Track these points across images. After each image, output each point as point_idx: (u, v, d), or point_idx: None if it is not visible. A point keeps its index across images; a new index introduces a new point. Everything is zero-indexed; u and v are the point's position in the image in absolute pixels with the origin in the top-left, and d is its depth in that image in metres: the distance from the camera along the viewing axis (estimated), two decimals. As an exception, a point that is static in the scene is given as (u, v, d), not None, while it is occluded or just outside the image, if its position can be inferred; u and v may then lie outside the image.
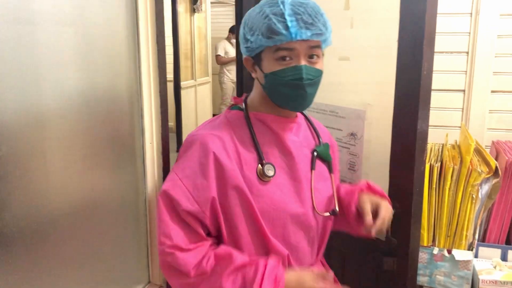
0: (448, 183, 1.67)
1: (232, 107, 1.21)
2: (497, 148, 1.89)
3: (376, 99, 1.53)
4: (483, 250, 1.74)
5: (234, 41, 6.75)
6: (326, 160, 1.24)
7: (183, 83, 6.20)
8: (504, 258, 1.72)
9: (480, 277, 1.63)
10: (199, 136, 1.12)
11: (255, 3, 1.88)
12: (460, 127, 1.98)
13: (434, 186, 1.69)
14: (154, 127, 1.33)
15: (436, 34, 1.36)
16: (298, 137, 1.20)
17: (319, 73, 1.10)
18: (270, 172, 1.12)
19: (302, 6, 1.08)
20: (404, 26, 1.34)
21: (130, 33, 1.27)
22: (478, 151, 1.83)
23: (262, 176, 1.11)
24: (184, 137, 6.28)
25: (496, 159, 1.78)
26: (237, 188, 1.08)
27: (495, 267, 1.67)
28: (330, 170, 1.25)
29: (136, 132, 1.30)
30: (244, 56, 1.17)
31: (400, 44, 1.36)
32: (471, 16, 1.91)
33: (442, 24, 1.90)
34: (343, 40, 1.63)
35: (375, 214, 1.16)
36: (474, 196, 1.65)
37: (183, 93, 6.17)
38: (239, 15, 1.97)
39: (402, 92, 1.37)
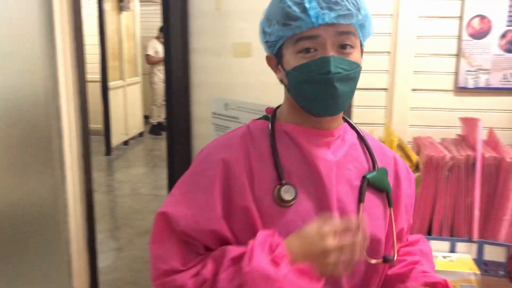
0: (373, 178, 1.73)
1: (260, 117, 1.03)
2: (418, 144, 1.98)
3: (303, 98, 1.55)
4: (407, 242, 1.82)
5: (164, 40, 6.62)
6: (382, 189, 0.98)
7: (111, 84, 6.00)
8: (426, 248, 1.81)
9: (405, 268, 1.70)
10: (208, 146, 0.97)
11: (182, 1, 1.85)
12: (384, 124, 2.06)
13: (360, 182, 1.74)
14: (74, 129, 1.26)
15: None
16: (336, 156, 0.95)
17: (354, 66, 0.90)
18: (287, 196, 0.88)
19: None
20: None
21: (45, 31, 1.19)
22: (401, 147, 1.91)
23: (279, 200, 0.89)
24: (113, 139, 6.10)
25: (418, 154, 1.86)
26: (246, 210, 0.88)
27: (418, 258, 1.75)
28: (389, 203, 0.98)
29: (53, 134, 1.23)
30: (266, 54, 0.99)
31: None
32: (391, 17, 1.99)
33: (365, 24, 1.96)
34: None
35: None
36: (397, 190, 1.72)
37: (111, 94, 5.97)
38: (165, 14, 1.92)
39: (327, 91, 1.39)
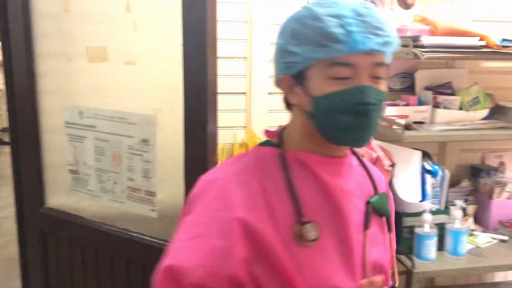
0: (238, 180, 1.77)
1: (263, 142, 0.93)
2: (276, 144, 2.09)
3: (166, 104, 1.52)
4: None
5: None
6: (383, 214, 0.96)
7: None
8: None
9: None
10: (218, 181, 0.85)
11: (22, 1, 1.67)
12: (245, 126, 2.13)
13: (226, 184, 1.77)
14: None
15: (217, 40, 1.42)
16: (349, 185, 0.90)
17: (384, 97, 0.85)
18: (311, 235, 0.82)
19: (364, 7, 0.81)
20: (187, 31, 1.35)
21: None
22: (261, 148, 1.99)
23: (300, 240, 0.82)
24: None
25: (276, 154, 1.96)
26: (274, 259, 0.80)
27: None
28: (389, 228, 0.97)
29: None
30: (279, 75, 0.88)
31: (184, 49, 1.37)
32: (246, 24, 2.07)
33: (221, 30, 2.00)
34: (127, 44, 1.57)
35: None
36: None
37: None
38: (3, 15, 1.72)
39: (191, 96, 1.39)
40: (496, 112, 2.12)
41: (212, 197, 0.83)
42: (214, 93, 1.40)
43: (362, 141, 0.85)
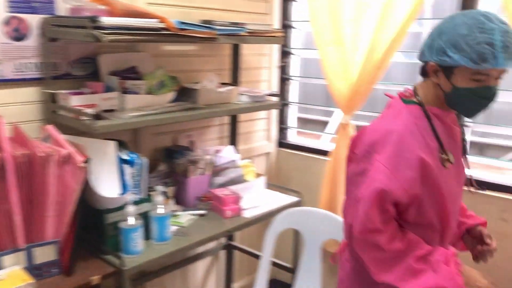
0: None
1: (405, 100, 1.43)
2: None
3: None
4: None
5: None
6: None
7: None
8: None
9: None
10: (397, 131, 1.34)
11: None
12: None
13: None
14: None
15: None
16: (455, 127, 1.46)
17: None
18: (451, 158, 1.38)
19: (509, 31, 1.23)
20: None
21: None
22: None
23: (443, 162, 1.37)
24: None
25: None
26: (435, 183, 1.35)
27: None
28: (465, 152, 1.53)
29: None
30: (431, 62, 1.35)
31: None
32: None
33: None
34: None
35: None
36: None
37: None
38: None
39: None
40: (182, 94, 2.18)
41: (397, 141, 1.32)
42: None
43: (474, 116, 1.39)
